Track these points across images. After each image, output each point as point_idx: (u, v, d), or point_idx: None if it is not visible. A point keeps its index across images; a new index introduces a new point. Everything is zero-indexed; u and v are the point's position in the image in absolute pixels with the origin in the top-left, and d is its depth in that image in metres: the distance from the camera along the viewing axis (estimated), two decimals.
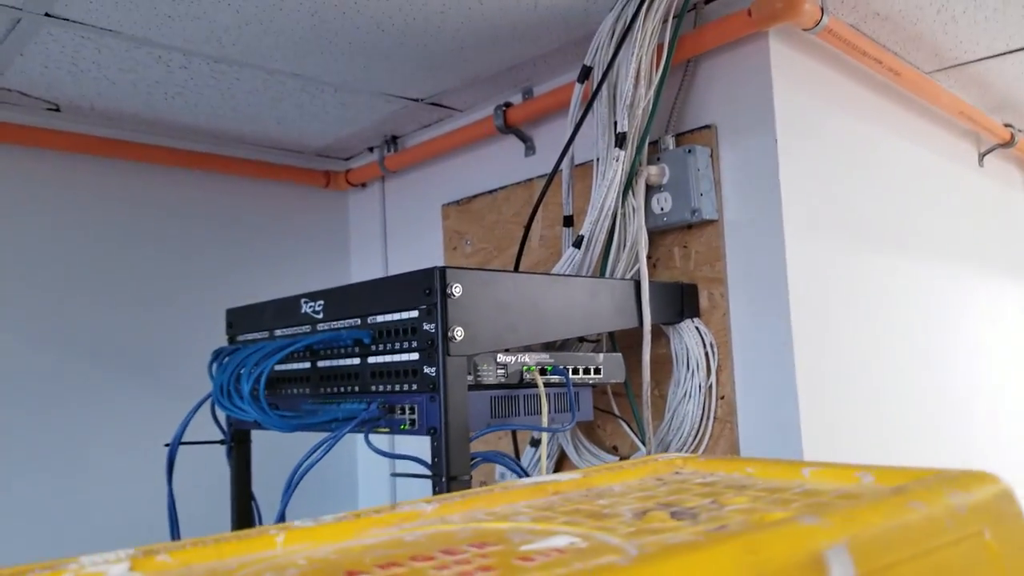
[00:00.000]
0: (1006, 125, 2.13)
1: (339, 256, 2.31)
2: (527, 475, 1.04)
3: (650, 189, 1.42)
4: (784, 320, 1.31)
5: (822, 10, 1.31)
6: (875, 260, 1.57)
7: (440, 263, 1.99)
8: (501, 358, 1.11)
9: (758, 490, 0.61)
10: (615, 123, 1.34)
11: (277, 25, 1.42)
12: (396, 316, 1.08)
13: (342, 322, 1.18)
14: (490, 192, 1.87)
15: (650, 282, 1.31)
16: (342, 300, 1.18)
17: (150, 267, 1.96)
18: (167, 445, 1.33)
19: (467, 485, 0.97)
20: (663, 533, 0.47)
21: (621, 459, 1.46)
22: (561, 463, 1.59)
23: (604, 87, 1.35)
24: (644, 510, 0.55)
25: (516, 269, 1.52)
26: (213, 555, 0.50)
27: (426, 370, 1.02)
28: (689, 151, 1.38)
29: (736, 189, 1.39)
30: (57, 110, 1.80)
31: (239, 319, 1.44)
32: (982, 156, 2.13)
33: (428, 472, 0.99)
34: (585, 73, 1.40)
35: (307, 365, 1.25)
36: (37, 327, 1.79)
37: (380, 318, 1.11)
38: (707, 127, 1.43)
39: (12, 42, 1.45)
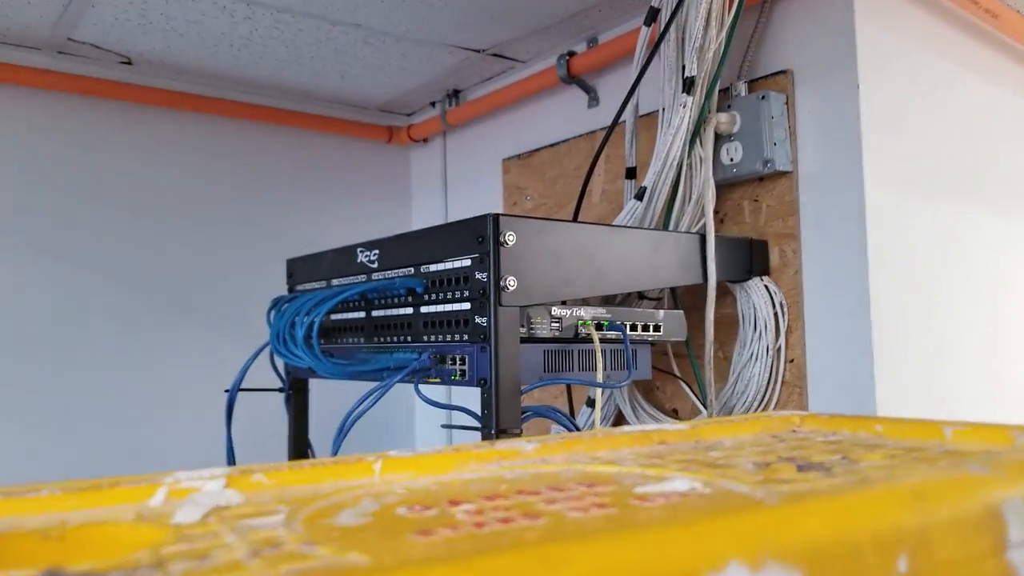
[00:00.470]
0: None
1: (401, 211, 2.30)
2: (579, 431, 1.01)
3: (719, 138, 1.34)
4: (862, 281, 1.23)
5: None
6: (957, 215, 1.46)
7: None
8: (556, 311, 1.08)
9: (893, 448, 0.54)
10: (683, 67, 1.27)
11: None
12: (449, 265, 1.05)
13: (396, 271, 1.16)
14: (552, 145, 1.82)
15: (717, 237, 1.25)
16: (396, 249, 1.17)
17: (218, 217, 1.99)
18: (227, 391, 1.35)
19: (517, 438, 0.94)
20: (795, 483, 0.42)
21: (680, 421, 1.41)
22: (618, 425, 1.56)
23: (672, 29, 1.28)
24: (766, 462, 0.50)
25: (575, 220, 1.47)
26: (309, 478, 0.49)
27: (477, 320, 0.99)
28: (763, 97, 1.30)
29: (813, 138, 1.30)
30: (129, 63, 1.83)
31: (299, 268, 1.44)
32: None
33: (478, 424, 0.97)
34: (652, 15, 1.33)
35: (362, 315, 1.24)
36: (112, 271, 1.84)
37: (433, 267, 1.08)
38: (783, 72, 1.34)
39: None
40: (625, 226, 1.17)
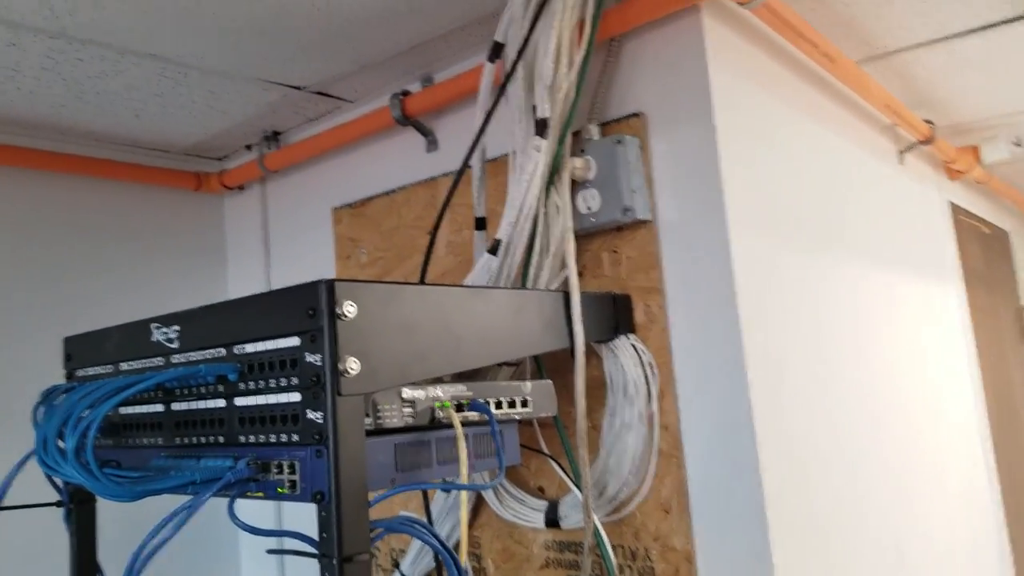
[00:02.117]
0: (926, 121, 2.08)
1: (214, 272, 2.01)
2: (446, 549, 0.82)
3: (574, 185, 1.23)
4: (733, 334, 1.15)
5: None
6: (816, 260, 1.45)
7: (331, 275, 1.75)
8: (407, 392, 0.89)
9: None
10: (534, 107, 1.14)
11: None
12: (271, 345, 0.84)
13: (203, 352, 0.93)
14: (388, 193, 1.64)
15: (581, 293, 1.12)
16: (202, 324, 0.93)
17: None
18: None
19: (367, 568, 0.74)
20: None
21: (550, 502, 1.26)
22: (478, 510, 1.38)
23: (520, 66, 1.16)
24: None
25: (422, 281, 1.30)
26: None
27: (310, 415, 0.79)
28: (618, 142, 1.20)
29: (671, 185, 1.22)
30: None
31: (79, 349, 1.16)
32: (902, 153, 2.08)
33: (315, 551, 0.76)
34: (496, 51, 1.20)
35: (160, 408, 0.99)
36: None
37: (251, 348, 0.86)
38: (635, 115, 1.25)
39: None
40: (484, 286, 1.01)
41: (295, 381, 0.80)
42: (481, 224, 1.31)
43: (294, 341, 0.81)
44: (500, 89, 1.17)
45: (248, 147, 1.94)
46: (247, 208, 1.99)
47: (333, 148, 1.71)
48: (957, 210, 2.62)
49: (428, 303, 0.89)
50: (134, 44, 1.33)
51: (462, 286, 0.96)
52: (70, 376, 1.17)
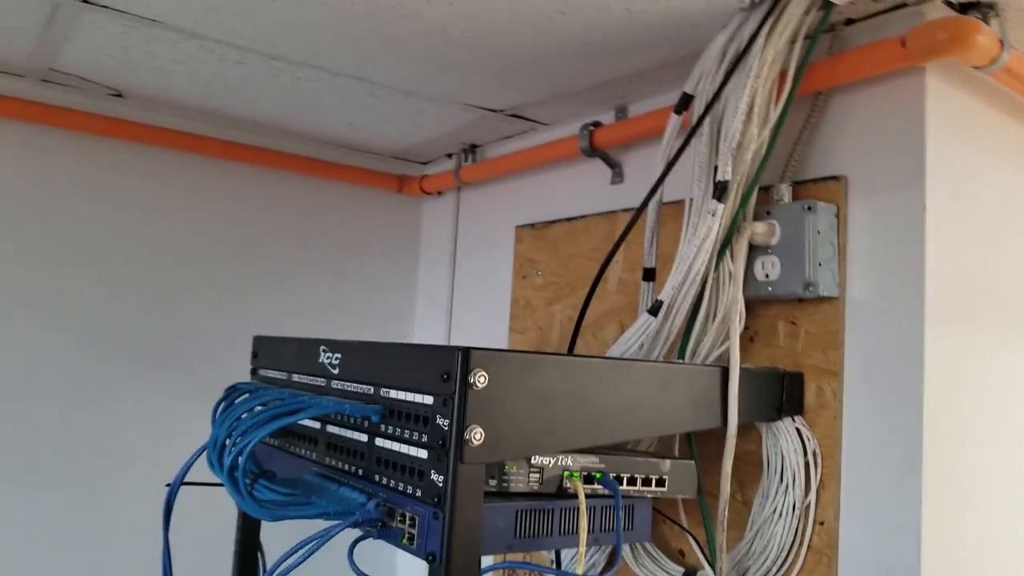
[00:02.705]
0: None
1: (408, 265, 2.13)
2: None
3: (754, 249, 1.15)
4: (914, 435, 1.02)
5: (1001, 43, 1.01)
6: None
7: (507, 290, 1.78)
8: (536, 459, 0.89)
9: None
10: (716, 168, 1.08)
11: (331, 25, 1.23)
12: (411, 397, 0.87)
13: (357, 385, 0.98)
14: (569, 220, 1.64)
15: (743, 369, 1.05)
16: (359, 359, 0.99)
17: (211, 265, 1.84)
18: (168, 485, 1.18)
19: None
20: None
21: (687, 569, 1.21)
22: (609, 564, 1.35)
23: (706, 122, 1.09)
24: None
25: (576, 330, 1.27)
26: None
27: (433, 476, 0.81)
28: (808, 208, 1.10)
29: (866, 259, 1.10)
30: (119, 96, 1.70)
31: (264, 349, 1.28)
32: None
33: None
34: (684, 102, 1.14)
35: (318, 426, 1.07)
36: (88, 321, 1.70)
37: (394, 394, 0.90)
38: (835, 178, 1.14)
39: (56, 29, 1.33)
40: (629, 358, 0.97)
41: (425, 439, 0.83)
42: (649, 275, 1.27)
43: (429, 400, 0.83)
44: (683, 144, 1.11)
45: (449, 155, 2.02)
46: (442, 213, 2.08)
47: (523, 169, 1.74)
48: None
49: (567, 375, 0.87)
50: (344, 68, 1.42)
51: (605, 358, 0.93)
52: (254, 372, 1.30)
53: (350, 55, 1.35)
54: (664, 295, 1.11)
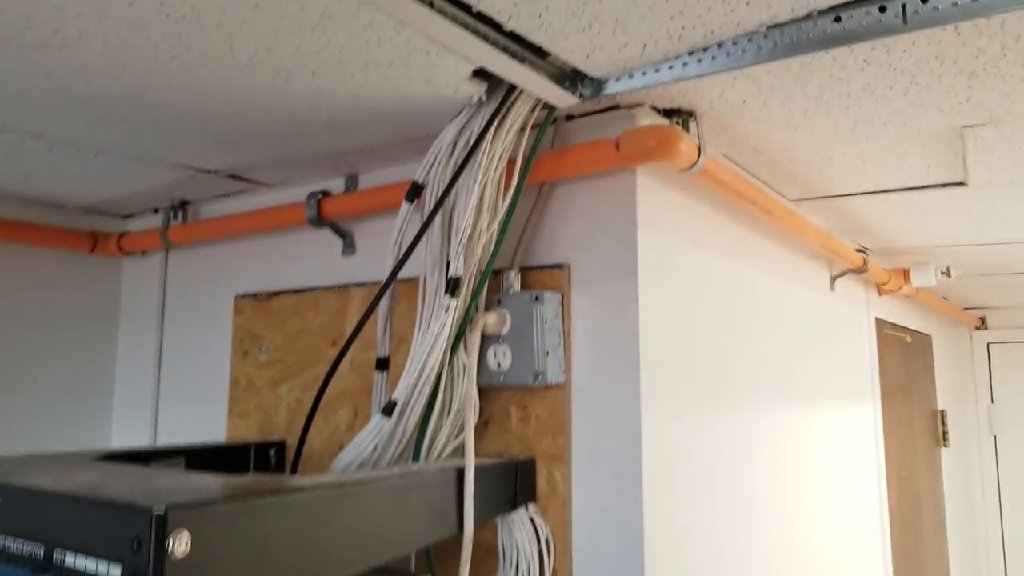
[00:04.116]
0: (858, 250, 2.07)
1: (103, 339, 1.85)
2: None
3: (486, 338, 1.14)
4: (635, 512, 1.07)
5: (699, 149, 1.10)
6: (731, 412, 1.39)
7: (226, 368, 1.61)
8: None
9: None
10: (448, 263, 1.05)
11: None
12: (92, 565, 0.71)
13: (19, 543, 0.79)
14: (296, 292, 1.52)
15: (478, 467, 1.03)
16: (24, 509, 0.80)
17: None
18: None
19: None
20: None
21: None
22: None
23: (438, 216, 1.06)
24: None
25: (317, 403, 1.16)
26: None
27: None
28: (536, 298, 1.12)
29: (588, 344, 1.14)
30: None
31: None
32: (835, 279, 2.06)
33: None
34: (416, 191, 1.10)
35: None
36: None
37: (70, 559, 0.74)
38: (559, 266, 1.17)
39: None
40: (358, 480, 0.89)
41: None
42: (383, 364, 1.20)
43: (116, 571, 0.69)
44: (415, 239, 1.06)
45: (156, 210, 1.80)
46: (147, 275, 1.84)
47: (244, 232, 1.59)
48: (882, 324, 2.64)
49: (287, 516, 0.78)
50: (11, 123, 1.18)
51: (331, 484, 0.85)
52: None
53: (17, 110, 1.13)
54: (398, 394, 1.05)
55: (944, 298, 3.56)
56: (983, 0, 0.76)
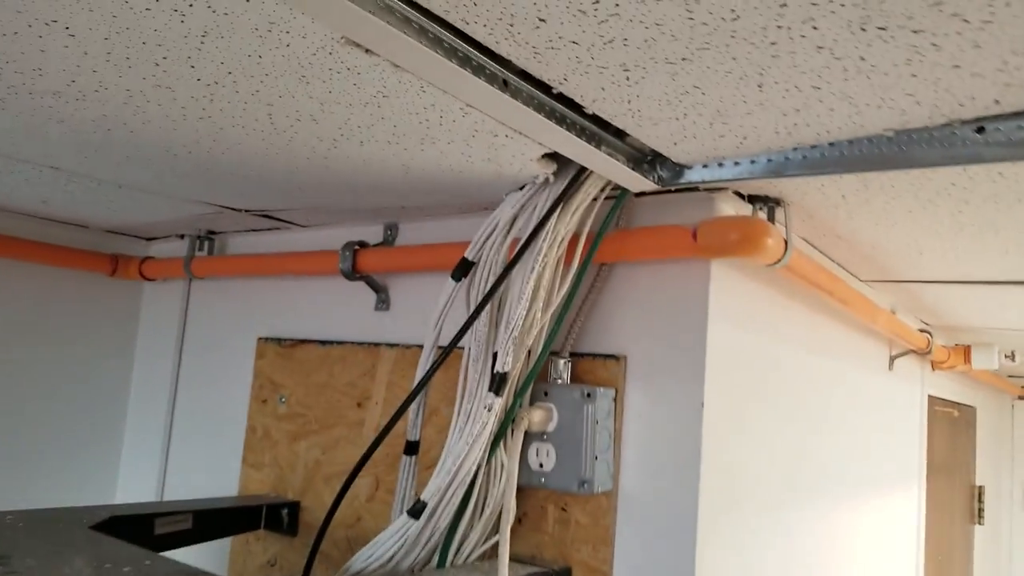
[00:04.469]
0: (921, 331, 1.93)
1: (119, 360, 1.75)
2: None
3: (529, 435, 1.02)
4: None
5: (786, 243, 0.98)
6: (794, 519, 1.26)
7: (243, 413, 1.51)
8: None
9: None
10: (495, 355, 0.93)
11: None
12: None
13: None
14: (323, 343, 1.42)
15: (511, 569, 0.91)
16: None
17: None
18: None
19: None
20: None
21: None
22: None
23: (487, 307, 0.95)
24: None
25: (333, 510, 1.05)
26: None
27: None
28: (587, 394, 1.00)
29: (642, 450, 1.02)
30: None
31: None
32: (893, 360, 1.92)
33: None
34: (464, 268, 0.99)
35: None
36: None
37: None
38: (614, 357, 1.05)
39: None
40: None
41: None
42: (412, 448, 1.09)
43: None
44: (461, 330, 0.94)
45: (181, 236, 1.71)
46: (168, 303, 1.75)
47: (271, 272, 1.49)
48: (933, 401, 2.49)
49: None
50: (31, 155, 1.09)
51: None
52: None
53: (31, 144, 1.03)
54: (428, 495, 0.94)
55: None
56: None
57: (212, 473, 1.55)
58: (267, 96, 0.73)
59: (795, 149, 0.80)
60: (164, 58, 0.67)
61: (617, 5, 0.54)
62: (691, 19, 0.55)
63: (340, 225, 1.43)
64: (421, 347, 1.23)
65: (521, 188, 0.94)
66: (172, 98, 0.76)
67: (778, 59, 0.60)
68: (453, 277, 0.99)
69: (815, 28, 0.55)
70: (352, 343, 1.37)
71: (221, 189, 1.20)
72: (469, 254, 0.98)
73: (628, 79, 0.65)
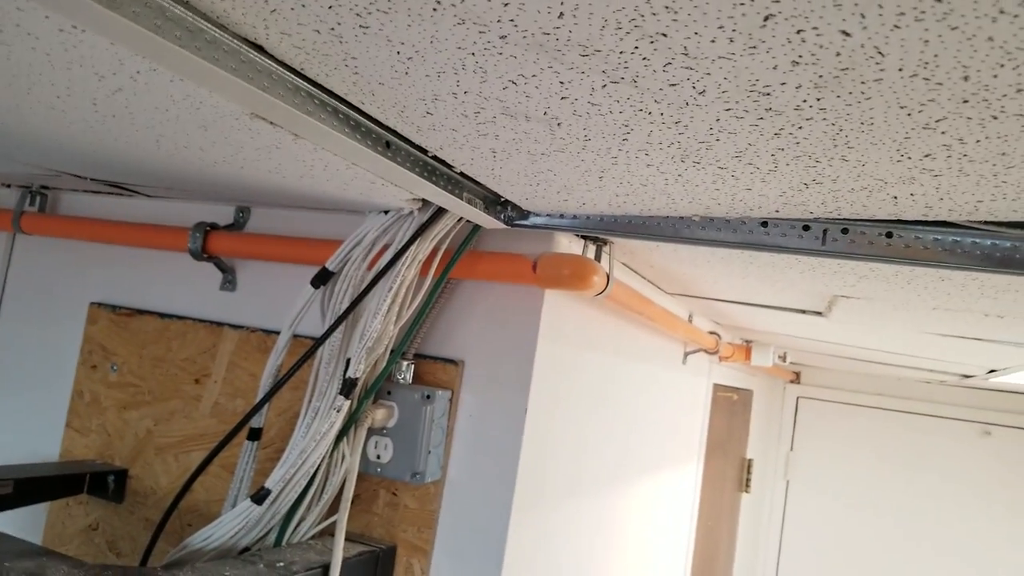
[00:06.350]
0: (712, 332, 2.22)
1: None
2: None
3: (370, 430, 1.13)
4: None
5: (608, 277, 1.14)
6: (588, 501, 1.46)
7: (70, 376, 1.48)
8: None
9: None
10: (348, 361, 1.02)
11: None
12: None
13: None
14: (162, 316, 1.42)
15: (343, 563, 1.02)
16: None
17: None
18: None
19: None
20: None
21: None
22: None
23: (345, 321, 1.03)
24: None
25: (170, 511, 1.10)
26: None
27: None
28: (428, 397, 1.12)
29: (469, 445, 1.16)
30: None
31: None
32: (686, 356, 2.20)
33: None
34: (324, 277, 1.06)
35: None
36: None
37: None
38: (453, 362, 1.18)
39: None
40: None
41: None
42: (255, 435, 1.16)
43: None
44: (318, 341, 1.02)
45: (7, 185, 1.61)
46: None
47: (115, 242, 1.46)
48: (717, 387, 2.85)
49: None
50: None
51: None
52: None
53: None
54: (272, 484, 1.02)
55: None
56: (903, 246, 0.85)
57: (33, 431, 1.51)
58: (161, 130, 0.76)
59: (622, 216, 0.95)
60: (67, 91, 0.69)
61: (494, 119, 0.64)
62: (552, 134, 0.67)
63: (189, 200, 1.43)
64: (266, 331, 1.29)
65: (386, 212, 1.03)
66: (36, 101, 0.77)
67: (616, 166, 0.73)
68: (313, 284, 1.06)
69: (647, 155, 0.69)
70: (194, 319, 1.39)
71: (69, 164, 1.17)
72: (331, 265, 1.05)
73: (495, 158, 0.76)
